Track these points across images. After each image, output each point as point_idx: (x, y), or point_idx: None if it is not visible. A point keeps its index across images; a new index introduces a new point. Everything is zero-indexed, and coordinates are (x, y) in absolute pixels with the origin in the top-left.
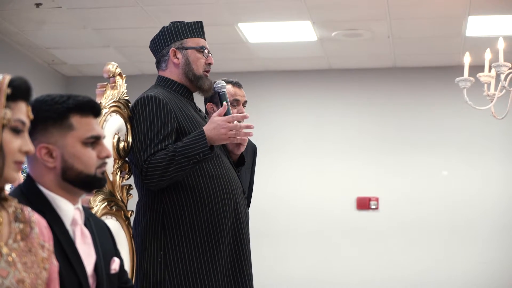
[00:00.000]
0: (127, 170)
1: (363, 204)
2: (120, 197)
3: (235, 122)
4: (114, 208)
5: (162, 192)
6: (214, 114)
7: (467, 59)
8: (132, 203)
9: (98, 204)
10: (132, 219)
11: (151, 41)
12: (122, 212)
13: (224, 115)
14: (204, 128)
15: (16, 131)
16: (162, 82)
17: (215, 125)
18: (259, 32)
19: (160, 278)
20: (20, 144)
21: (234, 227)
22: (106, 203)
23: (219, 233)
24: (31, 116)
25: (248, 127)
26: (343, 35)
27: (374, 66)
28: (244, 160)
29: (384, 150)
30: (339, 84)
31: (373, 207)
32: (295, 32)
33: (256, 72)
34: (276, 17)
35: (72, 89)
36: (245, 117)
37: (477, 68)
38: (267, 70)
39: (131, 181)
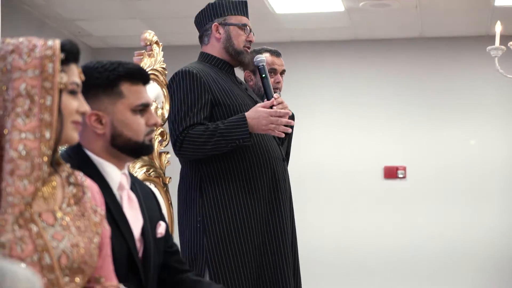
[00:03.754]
0: (164, 137)
1: (391, 173)
2: (158, 164)
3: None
4: (152, 174)
5: (199, 161)
6: (259, 105)
7: (498, 28)
8: (170, 170)
9: (137, 171)
10: (169, 186)
11: (196, 16)
12: (160, 178)
13: (264, 89)
14: (246, 114)
15: (73, 93)
16: (203, 58)
17: (258, 115)
18: (286, 3)
19: (200, 243)
20: (77, 105)
21: (271, 192)
22: (145, 170)
23: (255, 199)
24: (83, 78)
25: (288, 123)
26: (371, 5)
27: (401, 36)
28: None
29: (411, 120)
30: (366, 54)
31: (400, 176)
32: (322, 3)
33: (283, 42)
34: None
35: None
36: (287, 114)
37: (505, 37)
38: (294, 40)
39: (169, 148)
